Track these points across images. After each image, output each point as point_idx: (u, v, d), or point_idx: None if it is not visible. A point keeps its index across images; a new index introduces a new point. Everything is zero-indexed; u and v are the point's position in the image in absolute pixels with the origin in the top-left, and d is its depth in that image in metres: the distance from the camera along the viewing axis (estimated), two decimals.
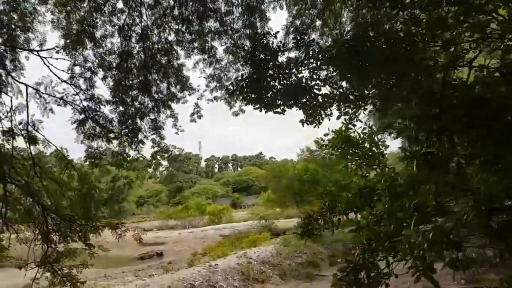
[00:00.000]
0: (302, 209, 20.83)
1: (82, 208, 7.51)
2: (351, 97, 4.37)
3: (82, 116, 7.98)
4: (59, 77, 7.44)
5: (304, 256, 15.31)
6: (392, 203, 3.45)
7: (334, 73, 4.30)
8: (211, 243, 22.71)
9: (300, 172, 21.14)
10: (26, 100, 7.28)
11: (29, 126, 7.33)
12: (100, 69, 7.55)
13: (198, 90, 8.62)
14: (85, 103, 7.83)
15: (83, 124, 8.11)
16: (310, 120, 4.37)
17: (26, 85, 7.30)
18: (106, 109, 8.13)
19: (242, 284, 12.38)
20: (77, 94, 7.73)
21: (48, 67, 7.21)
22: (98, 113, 8.03)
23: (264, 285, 12.70)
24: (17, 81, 7.41)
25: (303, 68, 4.22)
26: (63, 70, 7.49)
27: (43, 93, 7.46)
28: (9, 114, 7.17)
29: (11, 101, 7.28)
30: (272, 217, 26.46)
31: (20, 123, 7.33)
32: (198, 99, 8.68)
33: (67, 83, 7.55)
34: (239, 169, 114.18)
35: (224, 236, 26.20)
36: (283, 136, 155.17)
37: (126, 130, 8.15)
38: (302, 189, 20.64)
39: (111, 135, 8.23)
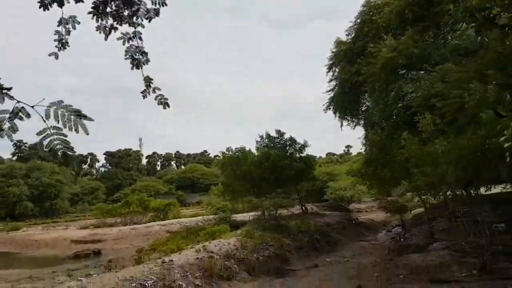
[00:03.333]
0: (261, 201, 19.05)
1: None
2: None
3: None
4: None
5: (271, 248, 13.58)
6: None
7: None
8: (157, 240, 20.08)
9: (260, 159, 19.48)
10: None
11: None
12: None
13: None
14: None
15: None
16: None
17: None
18: None
19: (205, 282, 10.29)
20: None
21: None
22: None
23: (231, 283, 10.73)
24: None
25: None
26: None
27: None
28: None
29: None
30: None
31: None
32: None
33: None
34: (182, 167, 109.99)
35: (172, 232, 23.69)
36: (229, 135, 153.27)
37: None
38: (263, 178, 18.99)
39: None
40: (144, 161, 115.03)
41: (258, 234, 14.36)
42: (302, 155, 21.88)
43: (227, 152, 21.20)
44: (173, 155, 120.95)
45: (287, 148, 21.78)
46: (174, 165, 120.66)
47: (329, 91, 23.40)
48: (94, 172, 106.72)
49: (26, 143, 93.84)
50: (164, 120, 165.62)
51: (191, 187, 78.72)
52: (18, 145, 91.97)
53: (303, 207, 21.49)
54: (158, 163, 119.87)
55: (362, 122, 24.12)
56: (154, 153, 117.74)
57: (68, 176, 68.57)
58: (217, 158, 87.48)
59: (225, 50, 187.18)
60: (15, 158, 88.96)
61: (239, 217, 22.21)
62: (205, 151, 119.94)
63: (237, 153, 21.04)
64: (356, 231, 21.13)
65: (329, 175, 31.83)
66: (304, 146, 21.92)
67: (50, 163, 70.54)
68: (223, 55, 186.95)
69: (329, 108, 23.56)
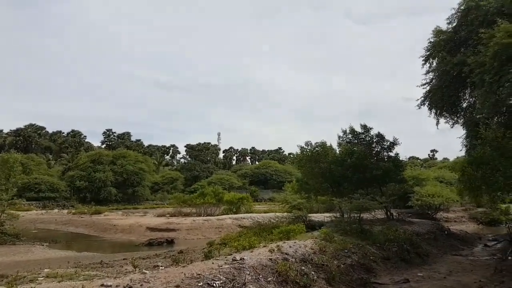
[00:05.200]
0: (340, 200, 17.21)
1: None
2: None
3: None
4: None
5: (354, 256, 11.83)
6: None
7: None
8: (229, 234, 19.50)
9: (343, 156, 17.58)
10: None
11: None
12: None
13: None
14: None
15: None
16: None
17: None
18: None
19: None
20: None
21: None
22: None
23: None
24: None
25: None
26: None
27: None
28: None
29: None
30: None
31: None
32: None
33: None
34: (257, 162, 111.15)
35: (244, 227, 23.03)
36: (304, 133, 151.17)
37: None
38: (344, 176, 17.09)
39: None
40: (221, 155, 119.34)
41: (338, 239, 12.69)
42: (391, 154, 19.46)
43: (306, 147, 19.65)
44: (249, 151, 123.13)
45: (373, 145, 19.51)
46: (249, 161, 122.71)
47: (425, 84, 20.75)
48: (175, 163, 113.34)
49: (114, 132, 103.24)
50: (242, 117, 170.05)
51: (264, 183, 78.58)
52: (107, 133, 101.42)
53: (388, 212, 19.06)
54: (234, 157, 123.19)
55: (461, 120, 21.09)
56: (230, 147, 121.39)
57: (150, 165, 72.81)
58: (292, 155, 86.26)
59: (304, 45, 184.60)
60: (104, 146, 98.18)
61: (314, 217, 20.67)
62: (280, 148, 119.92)
63: (317, 148, 19.35)
64: (448, 243, 18.26)
65: (415, 179, 28.59)
66: (393, 144, 19.41)
67: (135, 152, 75.93)
68: (303, 50, 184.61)
69: (424, 104, 20.90)
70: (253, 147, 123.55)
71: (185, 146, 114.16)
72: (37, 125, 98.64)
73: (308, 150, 19.63)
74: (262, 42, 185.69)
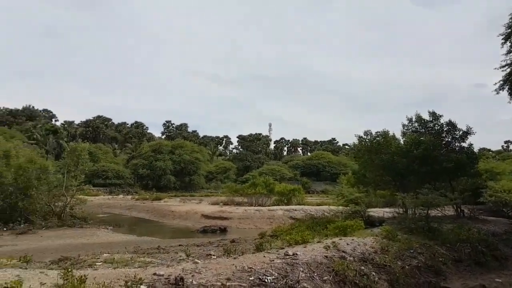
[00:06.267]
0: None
1: None
2: None
3: None
4: None
5: (420, 257, 10.64)
6: None
7: None
8: (280, 225, 18.98)
9: (409, 147, 16.07)
10: None
11: None
12: None
13: None
14: None
15: None
16: None
17: None
18: None
19: None
20: None
21: None
22: None
23: None
24: None
25: None
26: None
27: None
28: None
29: None
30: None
31: None
32: None
33: None
34: (308, 153, 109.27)
35: (295, 219, 22.37)
36: (361, 123, 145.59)
37: None
38: (409, 169, 15.60)
39: None
40: (272, 145, 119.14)
41: (402, 237, 11.51)
42: (463, 144, 17.49)
43: (365, 136, 18.26)
44: (300, 142, 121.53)
45: (443, 135, 17.66)
46: (300, 151, 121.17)
47: (505, 66, 18.33)
48: (228, 153, 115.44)
49: (173, 123, 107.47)
50: (294, 107, 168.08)
51: (316, 174, 76.71)
52: (167, 125, 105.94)
53: (459, 209, 17.18)
54: (285, 148, 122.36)
55: None
56: (281, 138, 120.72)
57: (205, 155, 74.81)
58: (347, 146, 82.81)
59: (361, 30, 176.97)
60: (163, 136, 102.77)
61: (373, 212, 19.33)
62: (333, 139, 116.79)
63: (377, 138, 17.90)
64: None
65: (488, 172, 25.62)
66: (466, 133, 17.42)
67: (191, 142, 78.40)
68: (360, 35, 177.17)
69: (503, 88, 18.51)
70: (304, 138, 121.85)
71: (237, 137, 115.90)
72: (104, 117, 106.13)
73: (367, 140, 18.24)
74: (316, 29, 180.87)
